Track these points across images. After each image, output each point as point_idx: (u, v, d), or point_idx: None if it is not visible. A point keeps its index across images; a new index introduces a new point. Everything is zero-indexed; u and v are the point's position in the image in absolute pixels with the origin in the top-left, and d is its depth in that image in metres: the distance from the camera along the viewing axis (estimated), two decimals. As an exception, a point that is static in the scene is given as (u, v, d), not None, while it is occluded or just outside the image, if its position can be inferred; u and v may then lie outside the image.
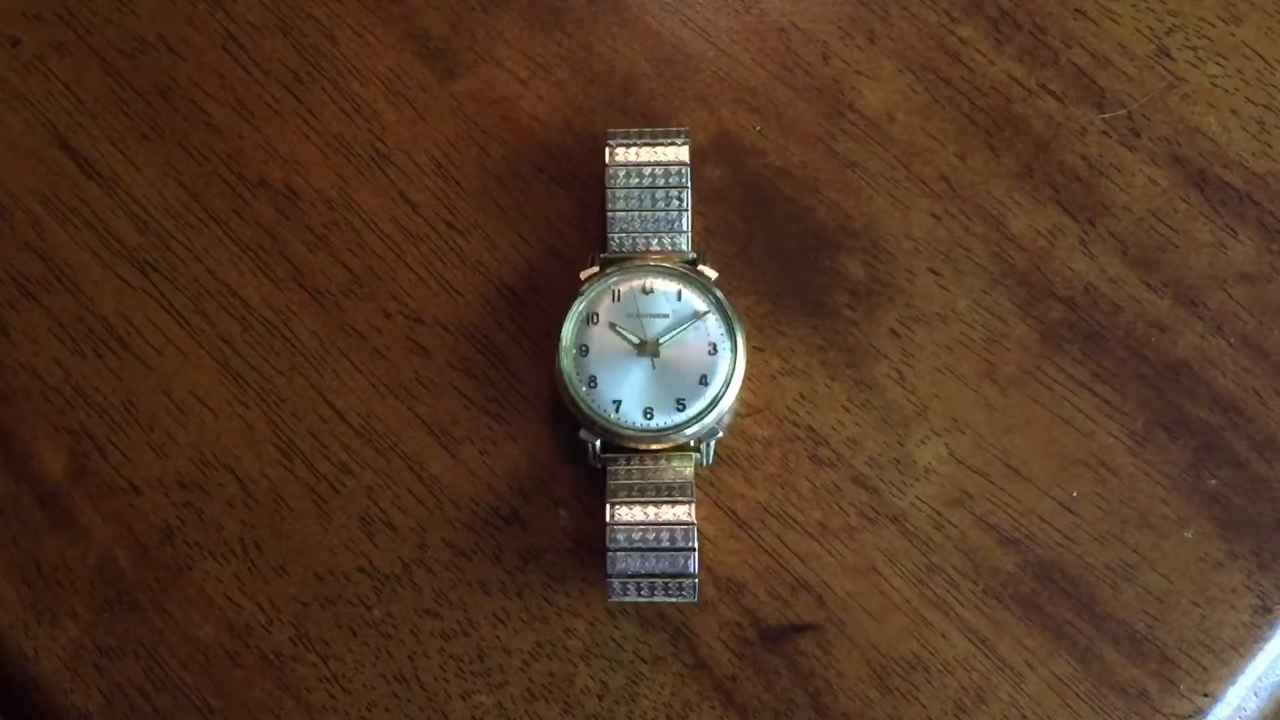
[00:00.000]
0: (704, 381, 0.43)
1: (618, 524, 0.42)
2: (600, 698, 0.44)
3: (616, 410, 0.43)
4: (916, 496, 0.44)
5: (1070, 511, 0.44)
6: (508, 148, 0.48)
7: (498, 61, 0.48)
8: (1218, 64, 0.47)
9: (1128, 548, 0.44)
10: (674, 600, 0.43)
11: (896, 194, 0.46)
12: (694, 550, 0.42)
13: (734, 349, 0.43)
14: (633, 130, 0.45)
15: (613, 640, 0.44)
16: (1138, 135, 0.46)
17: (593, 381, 0.43)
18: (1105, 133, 0.46)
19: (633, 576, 0.42)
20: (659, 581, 0.42)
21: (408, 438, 0.46)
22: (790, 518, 0.45)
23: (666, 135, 0.44)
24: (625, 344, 0.43)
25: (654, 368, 0.43)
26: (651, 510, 0.42)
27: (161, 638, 0.45)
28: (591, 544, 0.44)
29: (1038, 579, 0.44)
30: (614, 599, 0.43)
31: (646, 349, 0.43)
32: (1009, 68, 0.47)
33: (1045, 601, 0.43)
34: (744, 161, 0.47)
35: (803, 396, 0.45)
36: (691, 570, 0.42)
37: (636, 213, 0.44)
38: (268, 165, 0.48)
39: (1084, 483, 0.44)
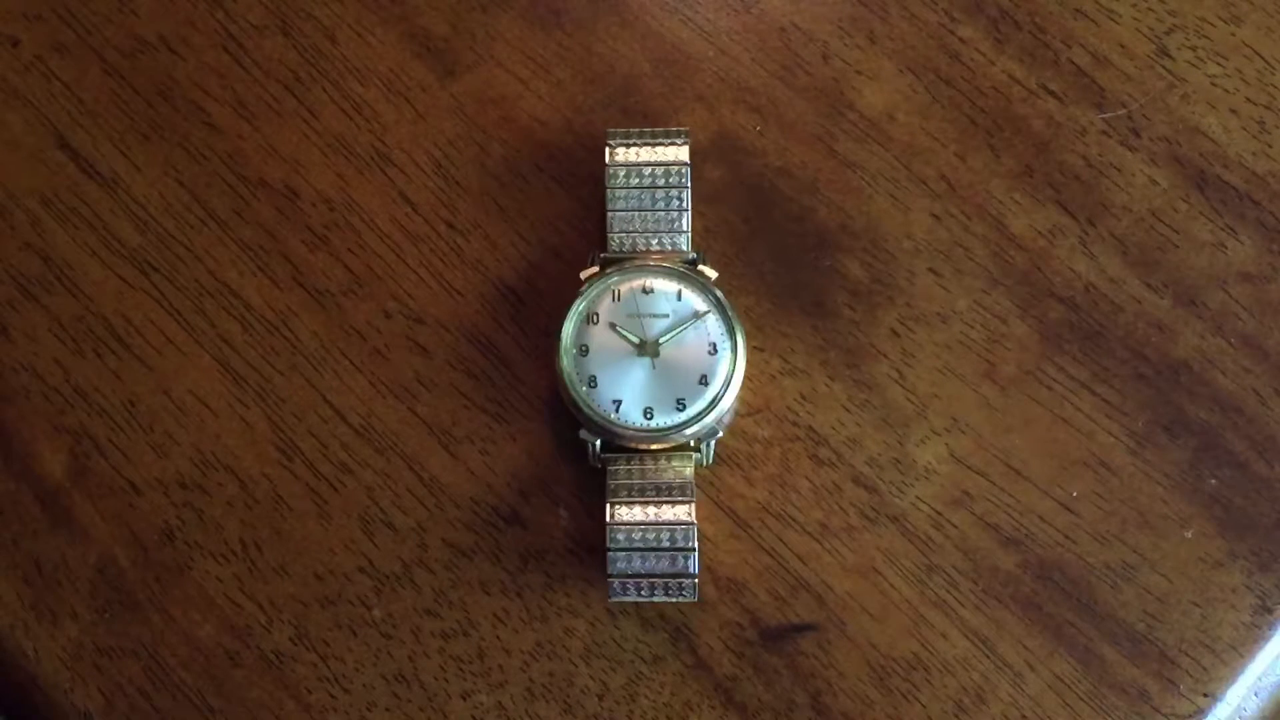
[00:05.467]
0: (704, 381, 0.43)
1: (618, 524, 0.42)
2: (600, 698, 0.44)
3: (616, 410, 0.43)
4: (916, 496, 0.44)
5: (1070, 511, 0.44)
6: (508, 148, 0.48)
7: (498, 61, 0.48)
8: (1218, 64, 0.47)
9: (1128, 548, 0.44)
10: (674, 600, 0.43)
11: (896, 194, 0.46)
12: (694, 550, 0.42)
13: (734, 349, 0.43)
14: (633, 130, 0.45)
15: (613, 640, 0.44)
16: (1138, 135, 0.46)
17: (593, 381, 0.43)
18: (1105, 133, 0.46)
19: (633, 576, 0.42)
20: (659, 581, 0.42)
21: (408, 438, 0.46)
22: (790, 518, 0.45)
23: (666, 135, 0.44)
24: (625, 344, 0.43)
25: (654, 368, 0.43)
26: (651, 510, 0.42)
27: (161, 638, 0.45)
28: (591, 544, 0.44)
29: (1038, 579, 0.44)
30: (614, 599, 0.43)
31: (646, 349, 0.43)
32: (1009, 68, 0.47)
33: (1045, 601, 0.43)
34: (744, 161, 0.47)
35: (803, 396, 0.45)
36: (691, 570, 0.42)
37: (636, 213, 0.44)
38: (268, 165, 0.48)
39: (1084, 483, 0.44)
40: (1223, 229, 0.46)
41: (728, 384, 0.43)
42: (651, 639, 0.44)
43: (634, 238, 0.44)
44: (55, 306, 0.47)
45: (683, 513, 0.42)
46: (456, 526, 0.45)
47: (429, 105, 0.48)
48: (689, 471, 0.43)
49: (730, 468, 0.45)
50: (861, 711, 0.43)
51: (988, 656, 0.43)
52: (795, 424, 0.45)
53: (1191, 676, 0.43)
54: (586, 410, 0.43)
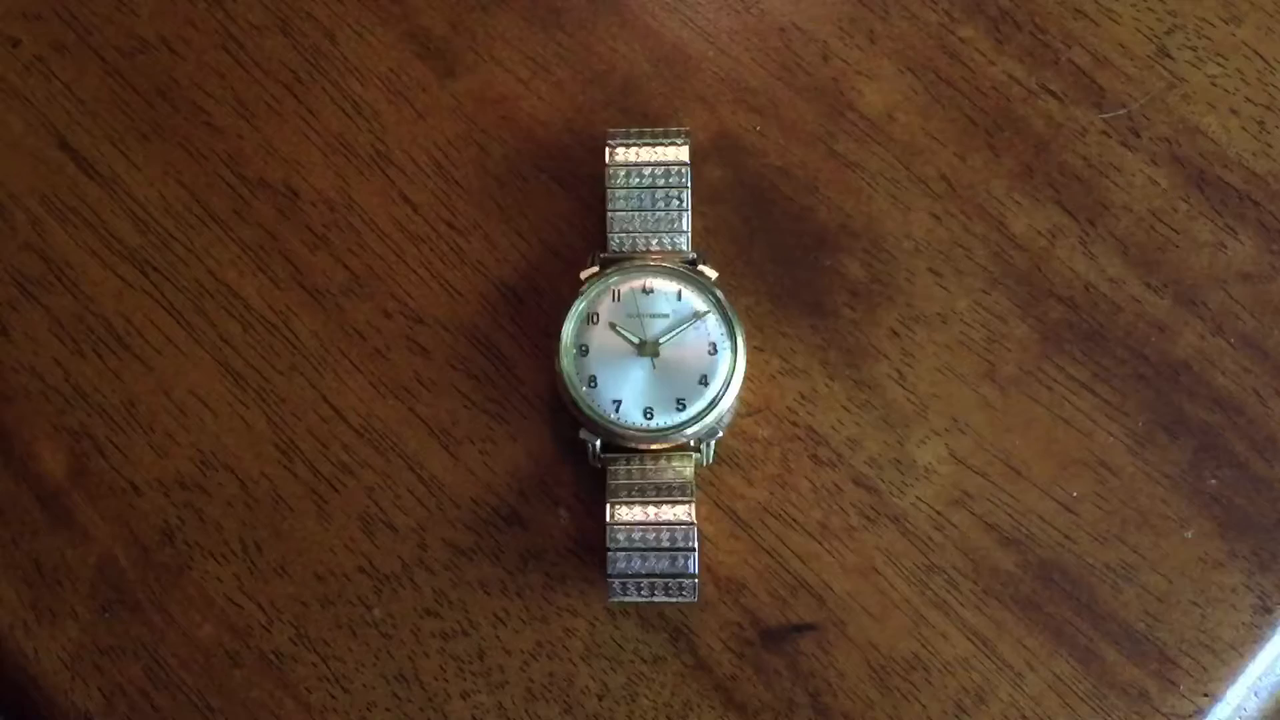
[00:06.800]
0: (704, 381, 0.43)
1: (618, 524, 0.42)
2: (600, 698, 0.44)
3: (616, 410, 0.43)
4: (916, 496, 0.44)
5: (1070, 511, 0.44)
6: (508, 148, 0.48)
7: (498, 61, 0.48)
8: (1218, 64, 0.47)
9: (1128, 548, 0.44)
10: (674, 600, 0.43)
11: (896, 194, 0.46)
12: (694, 550, 0.42)
13: (734, 349, 0.43)
14: (633, 130, 0.45)
15: (613, 640, 0.44)
16: (1138, 135, 0.46)
17: (593, 381, 0.43)
18: (1105, 133, 0.46)
19: (633, 576, 0.42)
20: (659, 581, 0.42)
21: (408, 438, 0.46)
22: (790, 518, 0.45)
23: (666, 135, 0.44)
24: (625, 344, 0.43)
25: (654, 368, 0.43)
26: (651, 510, 0.42)
27: (161, 638, 0.45)
28: (591, 544, 0.44)
29: (1038, 579, 0.44)
30: (614, 599, 0.43)
31: (646, 349, 0.43)
32: (1009, 68, 0.47)
33: (1045, 601, 0.43)
34: (744, 161, 0.47)
35: (803, 396, 0.45)
36: (691, 570, 0.42)
37: (636, 213, 0.44)
38: (268, 165, 0.48)
39: (1084, 483, 0.44)
40: (1223, 229, 0.46)
41: (728, 384, 0.43)
42: (651, 639, 0.44)
43: (634, 238, 0.44)
44: (55, 306, 0.47)
45: (683, 513, 0.42)
46: (456, 526, 0.45)
47: (429, 105, 0.48)
48: (689, 471, 0.43)
49: (730, 468, 0.45)
50: (861, 711, 0.43)
51: (988, 656, 0.43)
52: (795, 424, 0.45)
53: (1191, 676, 0.43)
54: (586, 410, 0.43)
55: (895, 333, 0.45)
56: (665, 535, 0.42)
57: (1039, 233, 0.46)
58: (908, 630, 0.44)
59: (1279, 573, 0.43)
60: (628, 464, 0.43)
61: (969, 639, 0.43)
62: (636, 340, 0.43)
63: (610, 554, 0.42)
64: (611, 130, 0.45)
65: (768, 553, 0.44)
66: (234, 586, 0.45)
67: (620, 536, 0.42)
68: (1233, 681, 0.43)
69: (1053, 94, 0.47)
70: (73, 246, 0.48)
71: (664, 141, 0.44)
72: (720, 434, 0.44)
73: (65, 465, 0.46)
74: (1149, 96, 0.47)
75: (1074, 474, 0.44)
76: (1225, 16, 0.47)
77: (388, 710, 0.44)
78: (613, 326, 0.43)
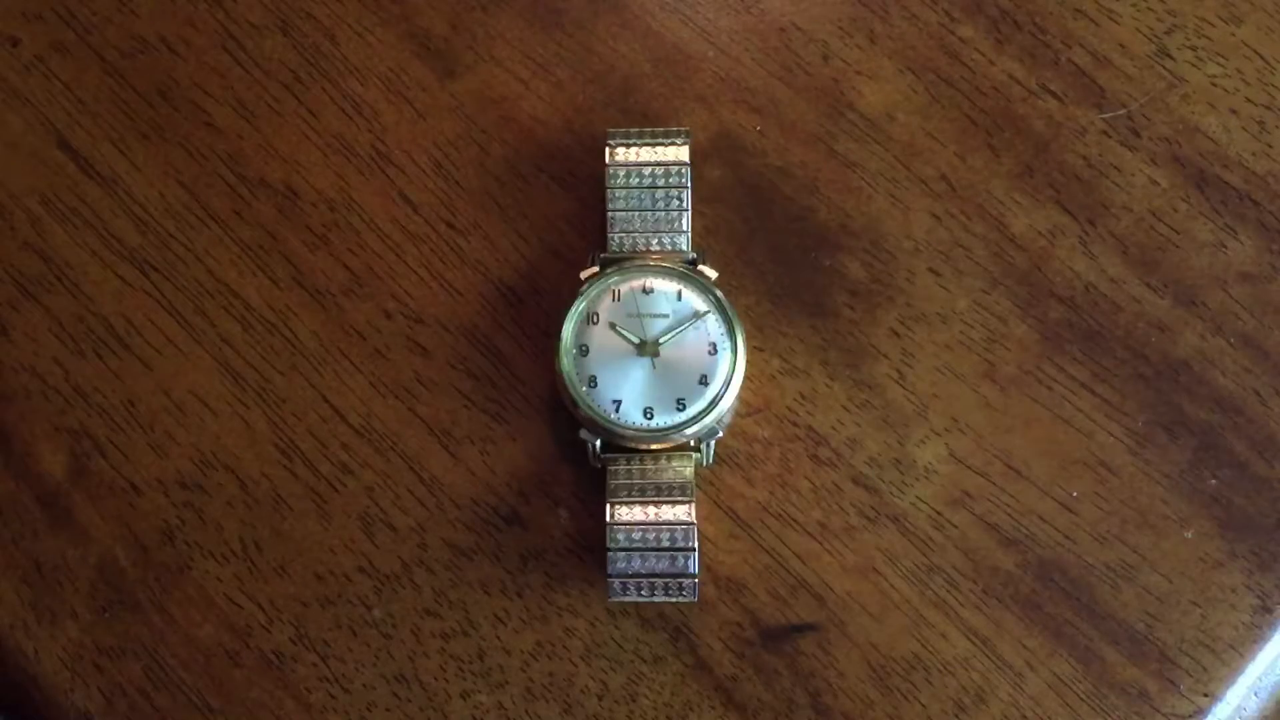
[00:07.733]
0: (704, 381, 0.43)
1: (618, 524, 0.42)
2: (600, 698, 0.44)
3: (616, 410, 0.43)
4: (916, 496, 0.44)
5: (1070, 511, 0.44)
6: (508, 148, 0.48)
7: (498, 61, 0.48)
8: (1218, 64, 0.47)
9: (1128, 548, 0.44)
10: (674, 600, 0.43)
11: (896, 194, 0.46)
12: (694, 550, 0.42)
13: (734, 349, 0.43)
14: (633, 130, 0.45)
15: (613, 640, 0.44)
16: (1138, 135, 0.46)
17: (593, 381, 0.43)
18: (1105, 133, 0.46)
19: (633, 576, 0.42)
20: (659, 581, 0.42)
21: (408, 438, 0.46)
22: (790, 518, 0.45)
23: (666, 135, 0.44)
24: (625, 344, 0.43)
25: (654, 368, 0.43)
26: (651, 510, 0.42)
27: (161, 638, 0.45)
28: (591, 544, 0.44)
29: (1038, 579, 0.44)
30: (614, 599, 0.43)
31: (646, 349, 0.43)
32: (1009, 68, 0.47)
33: (1045, 601, 0.43)
34: (744, 161, 0.47)
35: (803, 396, 0.45)
36: (691, 570, 0.42)
37: (636, 213, 0.44)
38: (268, 165, 0.48)
39: (1084, 483, 0.44)
40: (1223, 229, 0.46)
41: (728, 384, 0.43)
42: (651, 639, 0.44)
43: (634, 238, 0.44)
44: (55, 306, 0.47)
45: (683, 513, 0.42)
46: (456, 526, 0.45)
47: (429, 105, 0.48)
48: (689, 471, 0.43)
49: (730, 468, 0.45)
50: (861, 711, 0.43)
51: (988, 656, 0.43)
52: (795, 424, 0.45)
53: (1191, 676, 0.43)
54: (586, 410, 0.43)
55: (895, 333, 0.45)
56: (665, 535, 0.42)
57: (1039, 233, 0.46)
58: (908, 630, 0.44)
59: (1279, 573, 0.43)
60: (628, 464, 0.43)
61: (969, 639, 0.43)
62: (636, 340, 0.43)
63: (610, 554, 0.42)
64: (611, 130, 0.45)
65: (768, 553, 0.44)
66: (234, 586, 0.45)
67: (620, 536, 0.42)
68: (1233, 681, 0.43)
69: (1053, 94, 0.47)
70: (73, 246, 0.48)
71: (664, 141, 0.44)
72: (720, 434, 0.44)
73: (65, 465, 0.46)
74: (1149, 96, 0.47)
75: (1074, 474, 0.44)
76: (1225, 16, 0.47)
77: (388, 710, 0.44)
78: (613, 326, 0.43)
